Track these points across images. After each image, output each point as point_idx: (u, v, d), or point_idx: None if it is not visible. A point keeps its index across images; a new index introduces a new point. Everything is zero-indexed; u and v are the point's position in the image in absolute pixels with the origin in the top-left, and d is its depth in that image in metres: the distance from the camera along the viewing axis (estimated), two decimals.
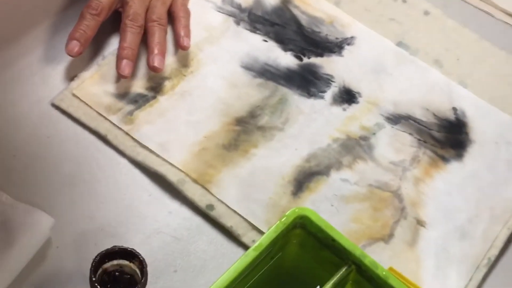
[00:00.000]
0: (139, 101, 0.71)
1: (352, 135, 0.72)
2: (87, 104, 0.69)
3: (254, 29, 0.79)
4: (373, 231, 0.66)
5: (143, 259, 0.55)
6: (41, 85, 0.71)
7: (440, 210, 0.68)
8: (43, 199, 0.63)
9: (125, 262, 0.56)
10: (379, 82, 0.77)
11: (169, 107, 0.71)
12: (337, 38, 0.80)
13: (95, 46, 0.74)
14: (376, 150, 0.71)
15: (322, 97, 0.75)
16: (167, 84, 0.73)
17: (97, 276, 0.54)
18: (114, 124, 0.69)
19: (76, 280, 0.59)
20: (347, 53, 0.79)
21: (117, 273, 0.56)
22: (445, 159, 0.72)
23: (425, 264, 0.65)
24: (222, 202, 0.65)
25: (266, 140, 0.70)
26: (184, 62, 0.75)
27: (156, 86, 0.72)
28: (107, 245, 0.56)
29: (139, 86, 0.72)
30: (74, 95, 0.70)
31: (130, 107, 0.70)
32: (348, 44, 0.79)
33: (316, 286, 0.56)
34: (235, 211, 0.65)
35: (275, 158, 0.69)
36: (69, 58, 0.72)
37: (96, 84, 0.71)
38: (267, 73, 0.75)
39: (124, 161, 0.67)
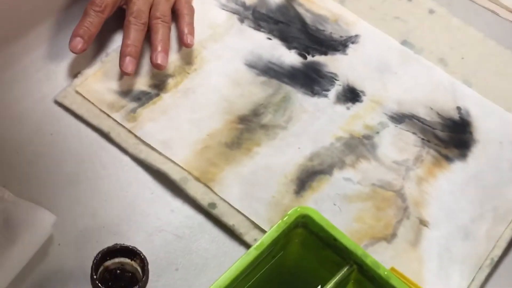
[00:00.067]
0: (142, 98, 0.71)
1: (356, 134, 0.72)
2: (90, 101, 0.69)
3: (258, 27, 0.79)
4: (376, 230, 0.66)
5: (145, 257, 0.55)
6: (44, 82, 0.71)
7: (443, 210, 0.68)
8: (46, 196, 0.63)
9: (126, 260, 0.56)
10: (383, 81, 0.77)
11: (172, 105, 0.71)
12: (341, 37, 0.79)
13: (99, 43, 0.74)
14: (380, 149, 0.71)
15: (325, 96, 0.74)
16: (171, 81, 0.72)
17: (98, 274, 0.54)
18: (117, 122, 0.69)
19: (77, 277, 0.59)
20: (352, 51, 0.78)
21: (118, 271, 0.56)
22: (448, 159, 0.72)
23: (427, 264, 0.65)
24: (224, 200, 0.65)
25: (269, 139, 0.70)
26: (187, 60, 0.74)
27: (159, 84, 0.72)
28: (109, 242, 0.56)
29: (142, 83, 0.72)
30: (77, 92, 0.70)
31: (133, 105, 0.70)
32: (353, 43, 0.79)
33: (318, 285, 0.56)
34: (237, 210, 0.65)
35: (278, 156, 0.69)
36: (73, 55, 0.72)
37: (99, 81, 0.71)
38: (270, 71, 0.75)
39: (126, 159, 0.67)
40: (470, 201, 0.69)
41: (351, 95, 0.75)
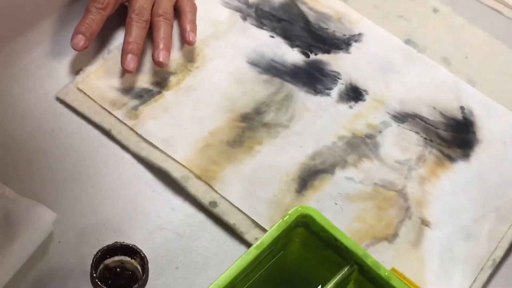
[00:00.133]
0: (144, 96, 0.70)
1: (358, 133, 0.72)
2: (91, 99, 0.69)
3: (261, 25, 0.78)
4: (377, 230, 0.65)
5: (145, 255, 0.55)
6: (46, 79, 0.71)
7: (445, 210, 0.68)
8: (46, 194, 0.63)
9: (126, 258, 0.56)
10: (386, 80, 0.76)
11: (174, 103, 0.71)
12: (344, 35, 0.79)
13: (101, 40, 0.74)
14: (382, 148, 0.71)
15: (328, 94, 0.74)
16: (173, 79, 0.72)
17: (98, 272, 0.54)
18: (118, 119, 0.68)
19: (77, 275, 0.59)
20: (355, 50, 0.78)
21: (118, 269, 0.56)
22: (451, 159, 0.71)
23: (429, 265, 0.64)
24: (225, 199, 0.65)
25: (271, 137, 0.70)
26: (189, 57, 0.74)
27: (161, 81, 0.72)
28: (110, 240, 0.56)
29: (144, 81, 0.71)
30: (79, 89, 0.70)
31: (134, 102, 0.70)
32: (356, 41, 0.79)
33: (318, 285, 0.56)
34: (238, 208, 0.65)
35: (280, 155, 0.69)
36: (75, 52, 0.71)
37: (101, 78, 0.71)
38: (273, 69, 0.75)
39: (128, 157, 0.67)
40: (472, 201, 0.69)
41: (354, 94, 0.75)
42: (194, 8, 0.76)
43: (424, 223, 0.67)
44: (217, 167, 0.67)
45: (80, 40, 0.70)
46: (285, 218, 0.53)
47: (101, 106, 0.69)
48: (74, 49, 0.70)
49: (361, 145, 0.71)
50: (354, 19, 0.81)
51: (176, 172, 0.66)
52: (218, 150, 0.68)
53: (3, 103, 0.68)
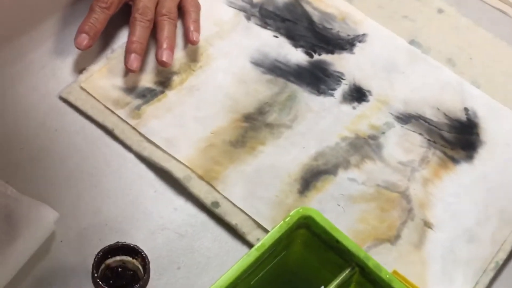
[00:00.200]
0: (147, 95, 0.70)
1: (361, 134, 0.71)
2: (94, 98, 0.69)
3: (264, 25, 0.78)
4: (379, 232, 0.65)
5: (146, 255, 0.55)
6: (50, 78, 0.71)
7: (448, 212, 0.68)
8: (49, 193, 0.63)
9: (128, 258, 0.56)
10: (390, 81, 0.76)
11: (177, 102, 0.71)
12: (348, 35, 0.79)
13: (104, 39, 0.74)
14: (385, 149, 0.71)
15: (331, 95, 0.74)
16: (176, 79, 0.72)
17: (99, 271, 0.54)
18: (121, 118, 0.68)
19: (79, 274, 0.59)
20: (359, 50, 0.78)
21: (120, 269, 0.56)
22: (454, 160, 0.71)
23: (431, 267, 0.64)
24: (227, 199, 0.65)
25: (274, 138, 0.70)
26: (193, 57, 0.74)
27: (164, 81, 0.72)
28: (112, 240, 0.56)
29: (147, 80, 0.71)
30: (82, 88, 0.70)
31: (138, 102, 0.70)
32: (360, 42, 0.79)
33: (320, 286, 0.56)
34: (240, 209, 0.64)
35: (283, 156, 0.69)
36: (78, 51, 0.72)
37: (105, 77, 0.71)
38: (276, 69, 0.75)
39: (130, 156, 0.67)
40: (475, 204, 0.69)
41: (358, 94, 0.74)
42: (198, 8, 0.76)
43: (427, 225, 0.67)
44: (220, 167, 0.67)
45: (84, 39, 0.70)
46: (287, 220, 0.53)
47: (104, 105, 0.69)
48: (78, 48, 0.70)
49: (364, 146, 0.71)
50: (358, 19, 0.80)
51: (178, 172, 0.66)
52: (221, 150, 0.68)
53: (6, 101, 0.69)
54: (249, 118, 0.71)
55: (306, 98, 0.73)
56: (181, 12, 0.75)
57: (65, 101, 0.69)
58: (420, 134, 0.72)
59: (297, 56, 0.76)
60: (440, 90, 0.76)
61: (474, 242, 0.66)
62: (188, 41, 0.73)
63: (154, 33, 0.73)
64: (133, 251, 0.55)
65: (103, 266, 0.55)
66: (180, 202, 0.65)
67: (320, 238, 0.54)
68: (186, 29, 0.74)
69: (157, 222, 0.64)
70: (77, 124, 0.68)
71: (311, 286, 0.57)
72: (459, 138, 0.73)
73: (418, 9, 0.83)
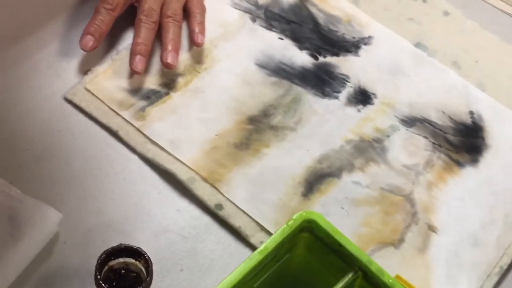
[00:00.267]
0: (152, 97, 0.70)
1: (366, 137, 0.71)
2: (99, 99, 0.69)
3: (270, 27, 0.78)
4: (383, 235, 0.65)
5: (149, 257, 0.55)
6: (55, 79, 0.71)
7: (452, 216, 0.67)
8: (53, 194, 0.63)
9: (131, 260, 0.56)
10: (395, 83, 0.76)
11: (181, 104, 0.71)
12: (354, 38, 0.79)
13: (109, 40, 0.74)
14: (390, 153, 0.70)
15: (336, 98, 0.74)
16: (181, 80, 0.72)
17: (102, 273, 0.54)
18: (125, 120, 0.68)
19: (82, 276, 0.59)
20: (364, 53, 0.78)
21: (123, 271, 0.56)
22: (459, 164, 0.71)
23: (435, 271, 0.64)
24: (231, 201, 0.65)
25: (278, 140, 0.70)
26: (198, 59, 0.74)
27: (169, 83, 0.72)
28: (115, 241, 0.56)
29: (152, 82, 0.71)
30: (87, 89, 0.70)
31: (142, 103, 0.70)
32: (365, 44, 0.78)
33: None
34: (244, 211, 0.64)
35: (287, 158, 0.69)
36: (83, 52, 0.72)
37: (109, 79, 0.71)
38: (281, 71, 0.75)
39: (134, 158, 0.67)
40: (480, 208, 0.68)
41: (362, 97, 0.74)
42: (203, 10, 0.76)
43: (431, 228, 0.66)
44: (224, 169, 0.67)
45: (89, 40, 0.70)
46: (290, 223, 0.53)
47: (109, 107, 0.69)
48: (83, 49, 0.70)
49: (369, 149, 0.70)
50: (364, 21, 0.80)
51: (182, 174, 0.66)
52: (225, 152, 0.68)
53: (11, 102, 0.69)
54: (254, 120, 0.71)
55: (311, 100, 0.73)
56: (186, 13, 0.75)
57: (69, 102, 0.69)
58: (425, 137, 0.72)
59: (302, 58, 0.76)
60: (446, 93, 0.76)
61: (478, 246, 0.66)
62: (193, 43, 0.73)
63: (159, 35, 0.73)
64: (136, 253, 0.55)
65: (106, 268, 0.55)
66: (183, 204, 0.65)
67: (323, 241, 0.54)
68: (191, 31, 0.74)
69: (160, 223, 0.64)
70: (81, 125, 0.68)
71: None
72: (464, 141, 0.73)
73: (423, 11, 0.82)
